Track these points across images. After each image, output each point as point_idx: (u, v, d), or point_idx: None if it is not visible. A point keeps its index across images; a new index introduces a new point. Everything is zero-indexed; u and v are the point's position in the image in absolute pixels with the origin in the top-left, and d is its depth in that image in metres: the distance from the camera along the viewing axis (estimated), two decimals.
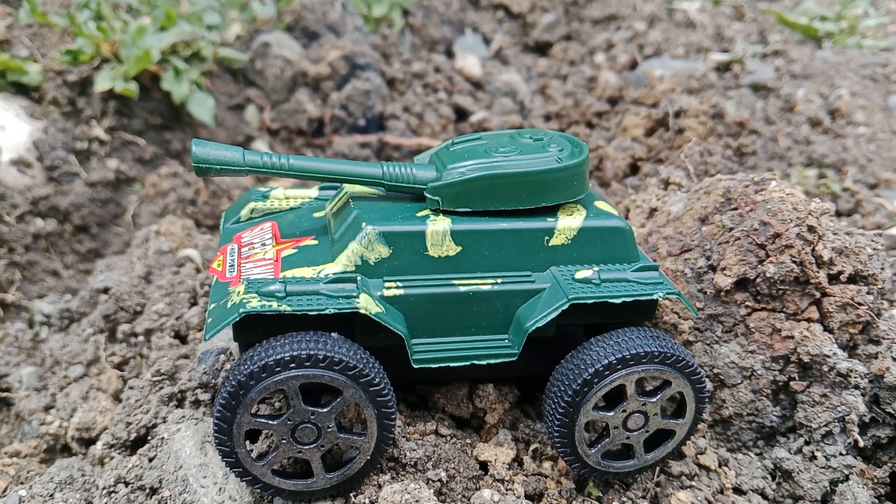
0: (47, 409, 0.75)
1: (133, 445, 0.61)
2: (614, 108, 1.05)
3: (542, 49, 1.40)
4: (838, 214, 0.91)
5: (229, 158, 0.50)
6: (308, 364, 0.44)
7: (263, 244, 0.54)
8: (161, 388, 0.62)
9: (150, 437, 0.60)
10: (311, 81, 1.17)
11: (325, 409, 0.45)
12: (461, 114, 1.16)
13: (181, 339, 0.71)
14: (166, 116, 1.14)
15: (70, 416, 0.72)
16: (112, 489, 0.57)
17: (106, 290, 0.79)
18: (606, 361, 0.48)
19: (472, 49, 1.36)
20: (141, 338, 0.73)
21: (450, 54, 1.36)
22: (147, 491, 0.56)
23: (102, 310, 0.75)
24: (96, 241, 1.07)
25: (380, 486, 0.48)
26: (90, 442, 0.70)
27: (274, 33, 1.26)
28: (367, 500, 0.47)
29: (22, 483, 0.67)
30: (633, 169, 0.90)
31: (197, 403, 0.58)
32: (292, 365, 0.44)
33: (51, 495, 0.59)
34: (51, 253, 1.03)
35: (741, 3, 1.74)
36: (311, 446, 0.46)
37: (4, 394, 0.78)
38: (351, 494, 0.48)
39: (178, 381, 0.61)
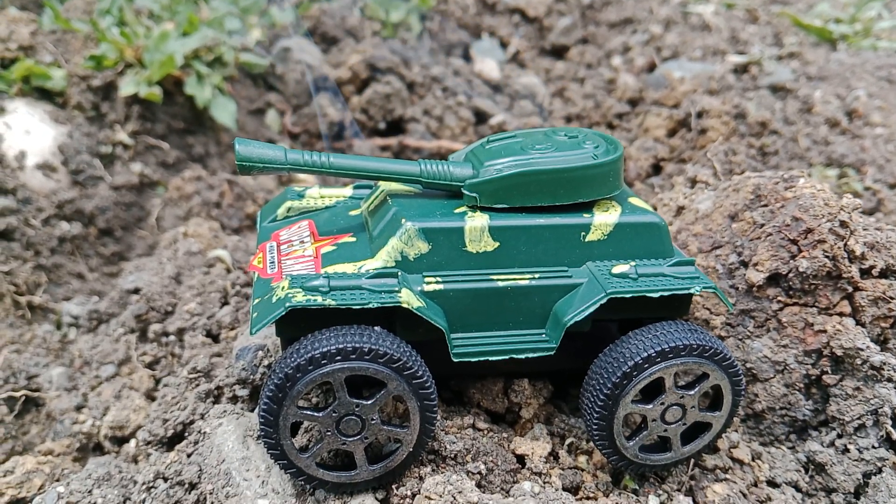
0: (79, 408, 0.76)
1: (170, 442, 0.62)
2: (634, 110, 1.05)
3: (558, 52, 1.41)
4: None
5: (271, 157, 0.50)
6: (353, 357, 0.45)
7: (302, 241, 0.55)
8: (198, 384, 0.63)
9: (187, 434, 0.60)
10: (331, 85, 1.18)
11: (369, 402, 0.46)
12: (481, 116, 1.17)
13: (213, 338, 0.72)
14: (189, 121, 1.16)
15: (103, 415, 0.72)
16: (151, 484, 0.58)
17: (136, 291, 0.80)
18: (646, 354, 0.48)
19: (489, 53, 1.37)
20: (173, 337, 0.74)
21: (467, 58, 1.37)
22: (186, 486, 0.57)
23: (133, 310, 0.76)
24: (121, 245, 1.09)
25: (421, 479, 0.49)
26: (123, 440, 0.71)
27: (294, 38, 1.27)
28: (409, 492, 0.48)
29: (58, 480, 0.68)
30: (656, 169, 0.91)
31: (235, 399, 0.59)
32: (338, 358, 0.45)
33: (89, 491, 0.59)
34: (76, 256, 1.04)
35: (754, 7, 1.74)
36: (355, 438, 0.47)
37: (35, 394, 0.79)
38: (393, 487, 0.49)
39: (215, 378, 0.61)
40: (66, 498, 0.59)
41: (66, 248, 1.04)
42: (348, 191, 0.63)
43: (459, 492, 0.46)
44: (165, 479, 0.57)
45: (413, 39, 1.33)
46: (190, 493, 0.56)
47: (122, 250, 1.08)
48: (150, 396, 0.72)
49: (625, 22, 1.44)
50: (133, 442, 0.69)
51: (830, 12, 1.69)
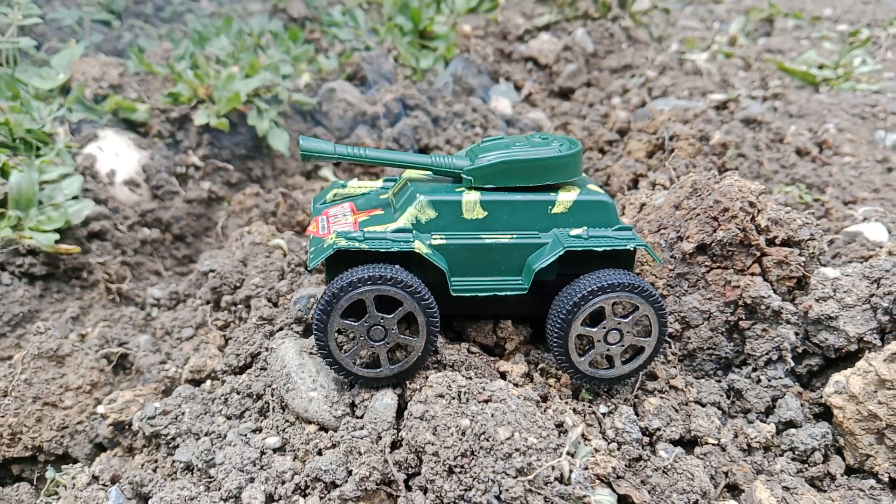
0: (163, 362, 0.96)
1: (241, 370, 0.81)
2: (623, 138, 1.25)
3: (565, 94, 1.61)
4: None
5: (325, 149, 0.71)
6: (380, 282, 0.64)
7: (345, 215, 0.75)
8: (263, 327, 0.82)
9: (255, 363, 0.79)
10: (368, 119, 1.40)
11: (390, 316, 0.65)
12: None
13: (273, 304, 0.91)
14: (249, 148, 1.38)
15: (184, 364, 0.92)
16: (227, 397, 0.77)
17: (211, 272, 1.00)
18: (591, 289, 0.66)
19: (505, 95, 1.58)
20: (241, 305, 0.94)
21: (485, 99, 1.58)
22: (254, 397, 0.75)
23: (210, 283, 0.96)
24: (190, 249, 1.30)
25: (427, 377, 0.67)
26: (201, 382, 0.90)
27: (337, 81, 1.49)
28: (418, 386, 0.66)
29: None
30: (635, 183, 1.09)
31: (293, 332, 0.78)
32: (369, 283, 0.64)
33: (178, 405, 0.78)
34: (154, 256, 1.26)
35: (749, 55, 1.94)
36: (381, 343, 0.66)
37: (127, 350, 0.99)
38: (407, 382, 0.67)
39: (276, 322, 0.81)
40: (162, 408, 0.78)
41: (146, 249, 1.25)
42: (379, 182, 0.83)
43: (454, 381, 0.64)
44: (238, 393, 0.76)
45: (439, 83, 1.55)
46: (257, 402, 0.75)
47: (191, 254, 1.30)
48: (223, 350, 0.92)
49: (625, 68, 1.64)
50: (208, 382, 0.88)
51: (816, 59, 1.87)
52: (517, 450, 0.57)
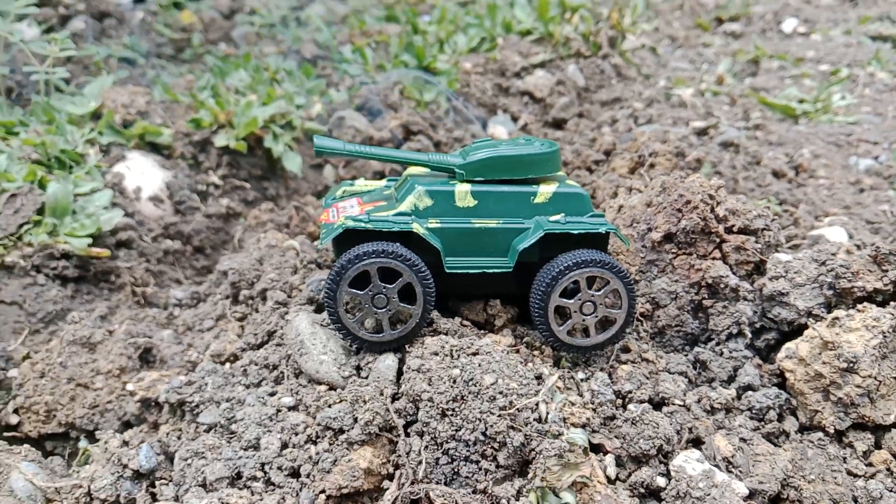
0: (185, 350, 1.05)
1: (259, 346, 0.90)
2: (608, 158, 1.35)
3: (558, 124, 1.73)
4: None
5: (336, 146, 0.81)
6: (382, 256, 0.74)
7: (352, 207, 0.85)
8: (278, 309, 0.92)
9: (270, 340, 0.88)
10: (375, 143, 1.51)
11: (391, 286, 0.75)
12: None
13: (287, 294, 1.01)
14: (265, 169, 1.49)
15: (205, 350, 1.01)
16: (245, 368, 0.86)
17: (231, 269, 1.10)
18: (567, 264, 0.76)
19: (502, 124, 1.70)
20: (257, 298, 1.03)
21: (484, 127, 1.70)
22: (270, 367, 0.84)
23: (230, 279, 1.06)
24: (209, 260, 1.40)
25: (423, 342, 0.76)
26: (222, 364, 0.98)
27: (347, 110, 1.61)
28: (415, 349, 0.75)
29: None
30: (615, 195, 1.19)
31: (306, 309, 0.87)
32: (373, 256, 0.74)
33: (202, 378, 0.87)
34: (175, 266, 1.36)
35: (735, 93, 2.06)
36: (383, 310, 0.75)
37: (151, 342, 1.08)
38: (406, 347, 0.76)
39: (290, 305, 0.90)
40: (187, 380, 0.87)
41: (168, 259, 1.35)
42: (383, 182, 0.93)
43: (447, 342, 0.73)
44: (256, 364, 0.85)
45: (441, 112, 1.67)
46: (272, 372, 0.84)
47: (209, 264, 1.40)
48: (240, 337, 1.01)
49: (614, 101, 1.76)
50: (227, 365, 0.96)
51: (797, 94, 1.99)
52: (501, 392, 0.66)
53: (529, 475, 0.65)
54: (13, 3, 1.58)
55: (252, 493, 0.69)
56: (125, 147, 1.44)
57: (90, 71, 2.14)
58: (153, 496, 0.78)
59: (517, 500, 0.65)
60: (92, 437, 0.96)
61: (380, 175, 1.44)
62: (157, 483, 0.78)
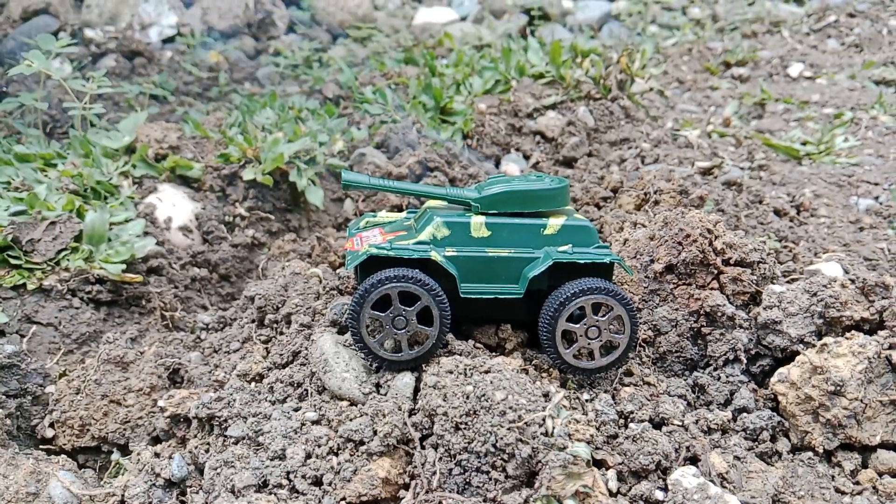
0: (212, 371, 1.11)
1: (284, 366, 0.96)
2: (615, 195, 1.42)
3: (569, 163, 1.80)
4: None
5: (361, 180, 0.88)
6: (403, 280, 0.80)
7: (375, 236, 0.91)
8: (302, 332, 0.98)
9: (296, 360, 0.94)
10: (394, 178, 1.58)
11: (411, 308, 0.81)
12: None
13: (311, 318, 1.07)
14: (289, 202, 1.57)
15: (232, 370, 1.07)
16: (272, 385, 0.92)
17: (257, 295, 1.16)
18: (573, 291, 0.82)
19: (515, 162, 1.77)
20: (282, 322, 1.10)
21: (497, 165, 1.77)
22: (295, 385, 0.90)
23: (257, 304, 1.12)
24: (234, 287, 1.47)
25: (439, 362, 0.82)
26: (249, 383, 1.04)
27: (367, 147, 1.69)
28: (432, 367, 0.81)
29: None
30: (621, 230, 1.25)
31: (330, 331, 0.93)
32: (394, 280, 0.80)
33: (230, 394, 0.93)
34: (202, 293, 1.43)
35: (741, 136, 2.13)
36: (402, 331, 0.81)
37: (179, 363, 1.14)
38: (423, 366, 0.82)
39: (314, 327, 0.96)
40: (216, 396, 0.93)
41: (195, 285, 1.42)
42: (404, 213, 1.00)
43: (461, 361, 0.79)
44: (281, 382, 0.91)
45: (457, 150, 1.75)
46: (297, 389, 0.90)
47: (234, 292, 1.46)
48: (266, 358, 1.07)
49: (622, 141, 1.84)
50: (253, 384, 1.02)
51: (801, 136, 2.06)
52: (510, 408, 0.72)
53: (536, 485, 0.70)
54: (54, 42, 1.68)
55: (278, 499, 0.75)
56: (157, 180, 1.52)
57: (120, 107, 2.24)
58: (182, 503, 0.84)
59: None
60: (123, 450, 1.02)
61: (398, 208, 1.51)
62: (187, 491, 0.84)
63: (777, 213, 1.51)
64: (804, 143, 1.99)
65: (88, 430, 1.02)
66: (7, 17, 3.20)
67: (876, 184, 1.76)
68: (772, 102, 2.51)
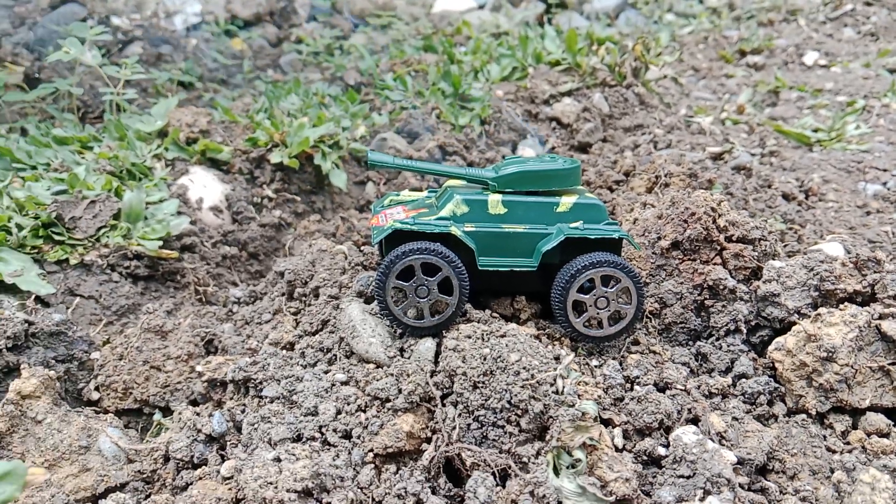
0: (244, 342, 1.18)
1: (314, 333, 1.03)
2: (627, 179, 1.47)
3: (583, 148, 1.85)
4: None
5: (387, 160, 0.95)
6: (425, 253, 0.86)
7: (399, 213, 0.98)
8: (330, 302, 1.05)
9: (325, 328, 1.01)
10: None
11: (432, 279, 0.87)
12: None
13: (339, 291, 1.14)
14: (314, 184, 1.63)
15: (264, 339, 1.14)
16: (303, 351, 0.99)
17: (287, 270, 1.23)
18: (584, 264, 0.88)
19: (531, 147, 1.83)
20: (310, 295, 1.17)
21: (514, 150, 1.83)
22: (325, 350, 0.97)
23: (287, 278, 1.19)
24: (262, 265, 1.54)
25: (458, 328, 0.88)
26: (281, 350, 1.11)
27: (388, 133, 1.76)
28: (451, 333, 0.87)
29: None
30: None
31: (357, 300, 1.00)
32: (417, 253, 0.86)
33: (264, 359, 1.00)
34: (232, 270, 1.50)
35: (754, 123, 2.17)
36: (424, 300, 0.87)
37: (213, 334, 1.21)
38: (444, 332, 0.89)
39: (342, 298, 1.03)
40: (251, 361, 1.00)
41: (226, 263, 1.50)
42: (425, 192, 1.06)
43: (478, 328, 0.85)
44: (312, 348, 0.98)
45: (475, 135, 1.80)
46: (326, 354, 0.97)
47: (262, 269, 1.54)
48: (296, 328, 1.14)
49: (636, 127, 1.89)
50: (284, 351, 1.09)
51: (813, 123, 2.09)
52: (524, 368, 0.78)
53: (547, 438, 0.77)
54: (87, 30, 1.76)
55: (312, 450, 0.82)
56: (188, 162, 1.59)
57: (147, 93, 2.32)
58: (222, 457, 0.91)
59: (536, 458, 0.76)
60: (164, 412, 1.10)
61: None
62: (227, 445, 0.91)
63: (785, 196, 1.56)
64: (815, 130, 2.03)
65: (131, 393, 1.10)
66: (36, 6, 3.29)
67: (885, 170, 1.79)
68: (786, 90, 2.54)
